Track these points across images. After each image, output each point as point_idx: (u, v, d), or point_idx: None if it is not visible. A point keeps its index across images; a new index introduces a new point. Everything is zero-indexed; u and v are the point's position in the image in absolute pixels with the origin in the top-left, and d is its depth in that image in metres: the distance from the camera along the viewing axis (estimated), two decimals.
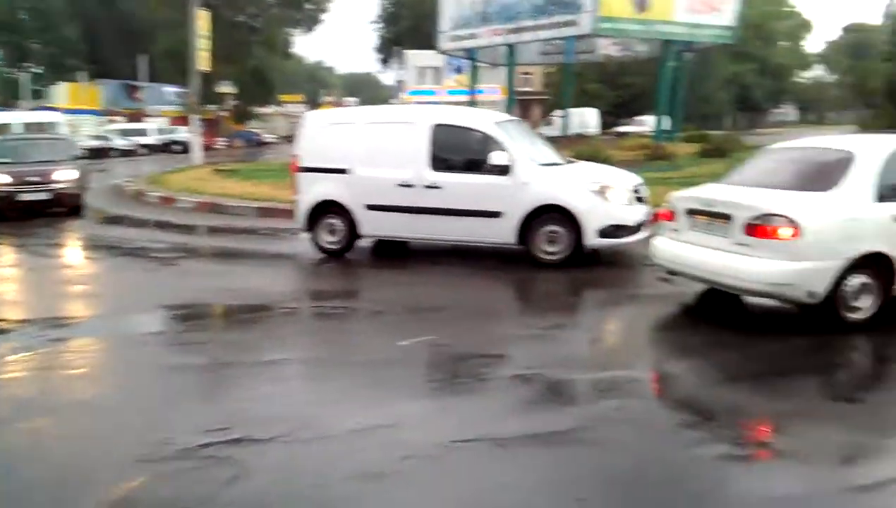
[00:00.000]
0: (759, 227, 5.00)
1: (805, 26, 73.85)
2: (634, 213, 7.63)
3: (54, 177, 12.37)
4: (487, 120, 8.19)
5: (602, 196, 7.49)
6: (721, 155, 19.28)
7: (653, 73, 33.19)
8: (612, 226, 7.45)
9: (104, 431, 3.70)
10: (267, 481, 3.12)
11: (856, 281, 4.99)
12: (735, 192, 5.57)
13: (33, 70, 48.81)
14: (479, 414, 3.83)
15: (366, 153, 8.28)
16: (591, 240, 7.47)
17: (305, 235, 8.78)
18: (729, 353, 4.79)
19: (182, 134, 37.26)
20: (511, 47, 23.39)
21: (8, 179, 12.03)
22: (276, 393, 4.24)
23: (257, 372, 4.64)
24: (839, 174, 5.15)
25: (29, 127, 22.95)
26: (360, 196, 8.29)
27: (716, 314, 5.92)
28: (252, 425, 3.65)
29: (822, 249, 4.89)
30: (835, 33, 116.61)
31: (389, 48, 62.04)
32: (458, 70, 50.19)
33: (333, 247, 8.57)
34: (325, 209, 8.50)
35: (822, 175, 5.27)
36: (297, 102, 66.80)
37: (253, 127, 55.49)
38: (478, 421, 3.73)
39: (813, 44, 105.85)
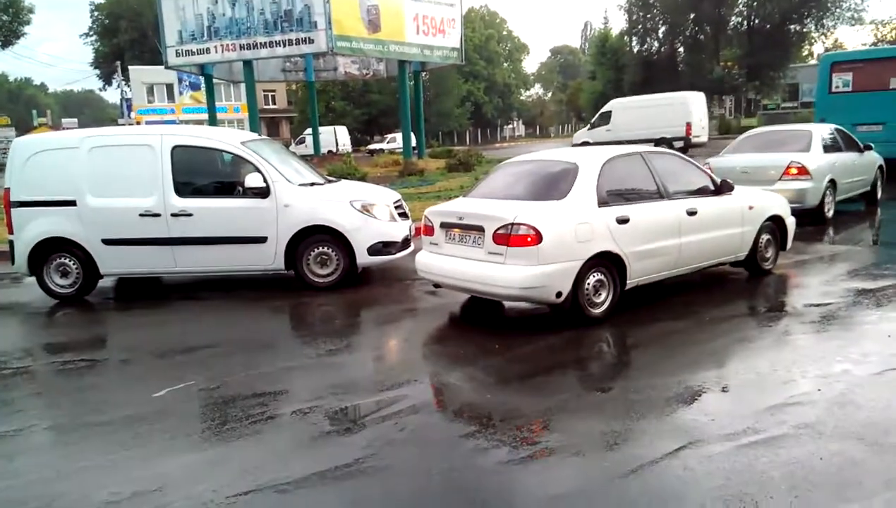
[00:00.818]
0: (507, 236, 5.36)
1: (522, 48, 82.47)
2: (400, 229, 7.77)
3: None
4: (232, 139, 7.76)
5: (367, 213, 7.52)
6: (466, 169, 20.66)
7: (394, 91, 34.48)
8: (381, 243, 7.53)
9: None
10: None
11: (593, 278, 5.59)
12: (482, 204, 5.92)
13: None
14: (256, 461, 3.54)
15: (96, 181, 7.45)
16: (363, 258, 7.46)
17: (31, 279, 7.68)
18: (496, 358, 5.04)
19: None
20: (249, 63, 22.65)
21: None
22: (7, 472, 3.57)
23: None
24: (568, 184, 5.71)
25: None
26: (94, 230, 7.43)
27: (481, 321, 6.21)
28: None
29: (563, 252, 5.38)
30: (545, 55, 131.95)
31: (110, 63, 56.68)
32: (195, 86, 47.48)
33: (67, 290, 7.62)
34: (54, 247, 7.49)
35: (555, 185, 5.80)
36: (4, 126, 58.60)
37: None
38: (256, 468, 3.44)
39: (530, 64, 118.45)
